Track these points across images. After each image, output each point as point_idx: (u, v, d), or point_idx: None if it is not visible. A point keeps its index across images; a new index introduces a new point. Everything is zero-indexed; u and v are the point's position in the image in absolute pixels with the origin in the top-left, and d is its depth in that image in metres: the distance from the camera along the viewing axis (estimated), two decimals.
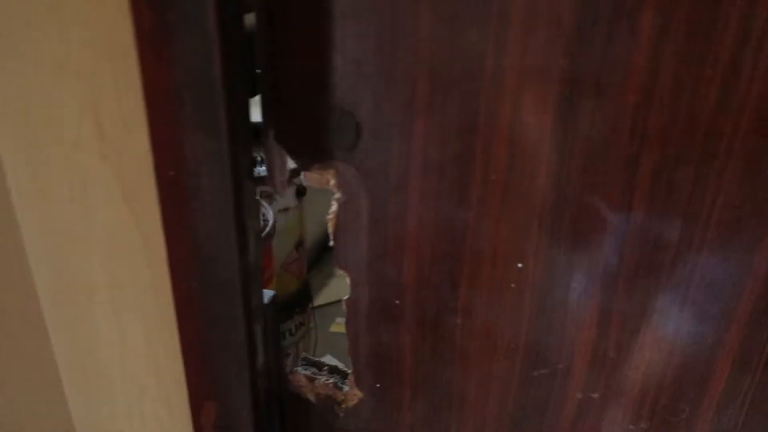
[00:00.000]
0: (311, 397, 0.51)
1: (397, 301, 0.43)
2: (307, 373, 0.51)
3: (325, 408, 0.51)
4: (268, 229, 1.16)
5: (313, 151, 0.40)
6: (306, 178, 0.42)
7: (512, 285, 0.39)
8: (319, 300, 2.23)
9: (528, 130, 0.35)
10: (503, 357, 0.43)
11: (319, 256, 2.41)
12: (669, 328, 0.38)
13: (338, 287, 2.29)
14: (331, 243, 0.43)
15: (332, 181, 0.41)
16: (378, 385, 0.48)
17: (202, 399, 0.46)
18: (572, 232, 0.37)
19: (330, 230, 0.43)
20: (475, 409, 0.46)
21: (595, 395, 0.42)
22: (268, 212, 1.21)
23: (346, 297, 0.45)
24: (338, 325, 2.15)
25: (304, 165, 0.41)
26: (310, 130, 0.39)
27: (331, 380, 0.51)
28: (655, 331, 0.38)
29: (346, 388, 0.50)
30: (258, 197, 0.41)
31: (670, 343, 0.38)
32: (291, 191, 1.34)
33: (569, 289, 0.39)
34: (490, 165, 0.36)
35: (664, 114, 0.32)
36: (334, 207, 0.42)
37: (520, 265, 0.39)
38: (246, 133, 0.38)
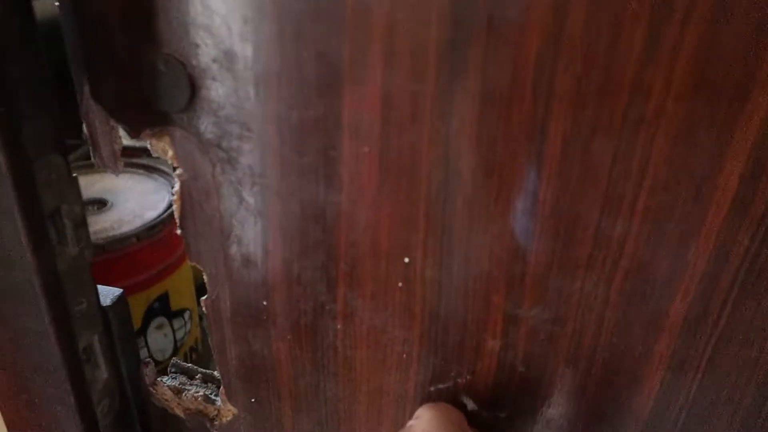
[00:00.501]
0: (179, 413, 0.43)
1: (264, 302, 0.35)
2: (174, 384, 0.43)
3: (197, 425, 0.43)
4: (165, 207, 1.05)
5: (141, 112, 0.31)
6: (151, 147, 0.33)
7: (399, 284, 0.32)
8: None
9: (404, 88, 0.26)
10: (395, 369, 0.35)
11: None
12: (586, 338, 0.30)
13: None
14: (179, 231, 0.35)
15: (170, 152, 0.32)
16: (253, 400, 0.40)
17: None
18: (467, 219, 0.29)
19: (176, 215, 0.34)
20: (368, 429, 0.38)
21: (502, 414, 0.34)
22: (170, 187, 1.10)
23: (203, 299, 0.37)
24: None
25: (133, 131, 0.32)
26: (133, 85, 0.30)
27: (201, 392, 0.43)
28: (572, 341, 0.31)
29: (218, 402, 0.42)
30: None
31: (587, 358, 0.31)
32: None
33: (467, 290, 0.31)
34: (361, 134, 0.28)
35: (577, 64, 0.24)
36: (177, 185, 0.33)
37: (406, 259, 0.31)
38: (37, 88, 0.29)
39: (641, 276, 0.28)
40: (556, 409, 0.33)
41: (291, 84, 0.28)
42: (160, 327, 1.08)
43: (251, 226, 0.33)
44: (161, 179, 1.15)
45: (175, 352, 1.12)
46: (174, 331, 1.11)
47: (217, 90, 0.29)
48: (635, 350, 0.30)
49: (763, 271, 0.26)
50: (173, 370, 0.44)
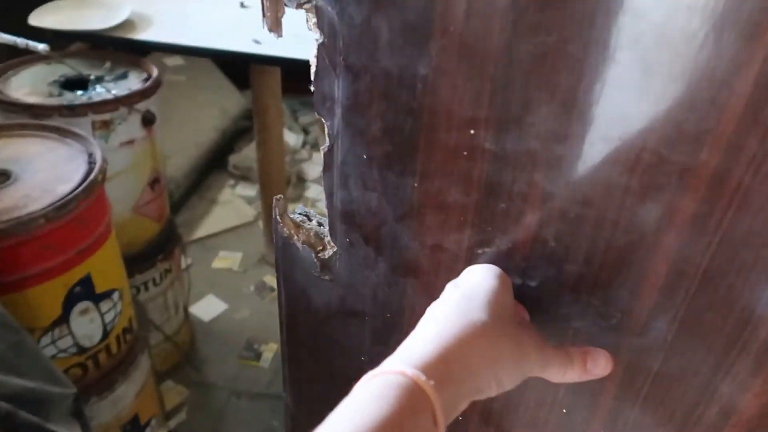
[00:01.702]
0: (297, 243, 0.53)
1: (364, 156, 0.43)
2: (296, 218, 0.54)
3: (306, 255, 0.53)
4: (95, 172, 0.91)
5: None
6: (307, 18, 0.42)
7: (464, 152, 0.38)
8: (200, 231, 2.03)
9: None
10: (453, 230, 0.42)
11: (199, 181, 2.21)
12: (607, 221, 0.34)
13: (223, 214, 2.10)
14: (312, 88, 0.44)
15: (312, 20, 0.41)
16: (348, 240, 0.49)
17: None
18: (522, 101, 0.34)
19: (311, 73, 0.43)
20: (427, 279, 0.46)
21: (533, 283, 0.40)
22: (95, 150, 0.97)
23: (322, 147, 0.46)
24: (222, 260, 1.95)
25: (290, 0, 0.41)
26: None
27: (314, 230, 0.52)
28: (595, 222, 0.35)
29: (325, 239, 0.52)
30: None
31: (606, 239, 0.35)
32: (135, 119, 1.15)
33: (516, 164, 0.36)
34: (449, 13, 0.34)
35: None
36: (314, 49, 0.42)
37: (472, 131, 0.37)
38: None
39: (659, 169, 0.31)
40: (578, 281, 0.38)
41: None
42: (84, 312, 0.97)
43: (362, 88, 0.40)
44: (77, 144, 0.99)
45: (105, 336, 1.02)
46: (102, 315, 1.00)
47: None
48: (647, 239, 0.33)
49: None
50: (298, 211, 0.55)
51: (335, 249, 0.50)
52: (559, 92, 0.32)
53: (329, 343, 0.56)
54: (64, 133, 1.01)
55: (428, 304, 0.37)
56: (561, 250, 0.37)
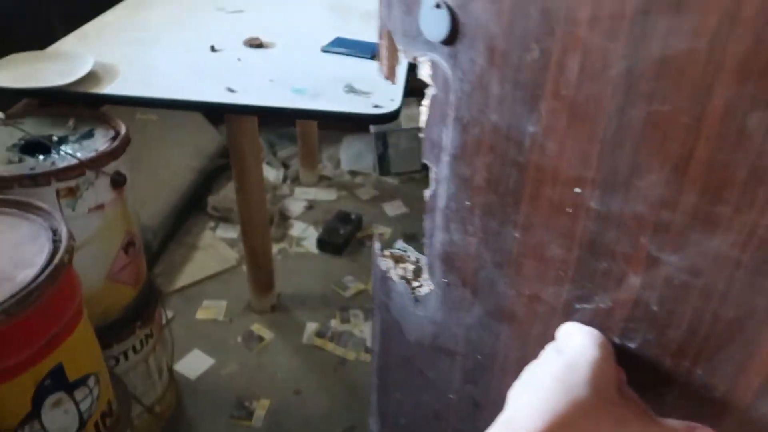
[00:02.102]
0: (395, 277, 0.55)
1: (467, 203, 0.45)
2: (395, 253, 0.57)
3: (402, 290, 0.55)
4: (60, 253, 0.82)
5: (415, 39, 0.43)
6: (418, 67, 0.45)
7: (568, 209, 0.38)
8: (181, 280, 1.92)
9: (600, 45, 0.33)
10: (552, 282, 0.42)
11: (178, 226, 2.11)
12: (715, 293, 0.34)
13: (204, 260, 2.00)
14: (422, 135, 0.46)
15: (428, 73, 0.43)
16: (445, 281, 0.50)
17: None
18: (631, 164, 0.34)
19: (422, 122, 0.46)
20: (522, 328, 0.46)
21: (632, 345, 0.39)
22: (59, 226, 0.87)
23: (427, 191, 0.49)
24: (206, 310, 1.84)
25: (406, 52, 0.44)
26: (413, 18, 0.42)
27: (412, 267, 0.55)
28: (702, 293, 0.34)
29: (422, 277, 0.54)
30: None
31: (713, 312, 0.34)
32: (104, 182, 1.05)
33: (621, 225, 0.36)
34: (562, 77, 0.35)
35: (747, 41, 0.28)
36: (426, 100, 0.44)
37: (577, 190, 0.37)
38: None
39: None
40: (681, 348, 0.37)
41: (517, 32, 0.36)
42: (57, 404, 0.88)
43: (470, 139, 0.42)
44: (39, 220, 0.90)
45: (83, 425, 0.93)
46: (77, 404, 0.91)
47: (467, 33, 0.39)
48: (759, 315, 0.32)
49: None
50: (397, 246, 0.58)
51: (432, 287, 0.52)
52: (670, 160, 0.32)
53: (419, 376, 0.58)
54: (25, 207, 0.92)
55: (521, 351, 0.39)
56: (664, 316, 0.36)
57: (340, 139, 2.56)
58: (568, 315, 0.42)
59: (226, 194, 2.22)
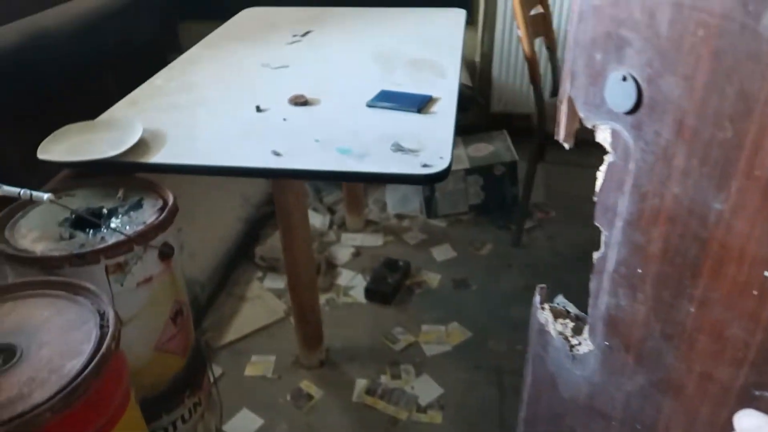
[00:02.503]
0: (553, 332, 0.56)
1: (639, 270, 0.44)
2: (556, 308, 0.57)
3: (560, 346, 0.55)
4: (107, 342, 0.80)
5: (598, 108, 0.44)
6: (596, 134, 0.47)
7: (754, 291, 0.37)
8: (230, 335, 1.88)
9: None
10: (728, 363, 0.40)
11: (226, 277, 2.09)
12: None
13: (253, 312, 1.97)
14: (595, 199, 0.48)
15: (608, 140, 0.45)
16: (607, 344, 0.50)
17: None
18: None
19: (597, 186, 0.47)
20: (689, 404, 0.44)
21: None
22: (107, 309, 0.85)
23: (595, 253, 0.49)
24: (254, 366, 1.80)
25: (587, 120, 0.46)
26: (598, 89, 0.44)
27: (572, 324, 0.55)
28: None
29: (582, 336, 0.54)
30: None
31: None
32: (152, 255, 1.05)
33: None
34: (757, 158, 0.34)
35: None
36: (604, 166, 0.46)
37: (766, 273, 0.36)
38: None
39: None
40: None
41: (709, 109, 0.35)
42: None
43: (647, 209, 0.42)
44: (87, 303, 0.90)
45: None
46: None
47: (653, 106, 0.39)
48: None
49: None
50: (557, 301, 0.58)
51: (592, 348, 0.52)
52: None
53: None
54: (73, 289, 0.93)
55: (687, 428, 0.38)
56: None
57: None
58: (745, 400, 0.40)
59: (273, 244, 2.21)
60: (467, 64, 2.78)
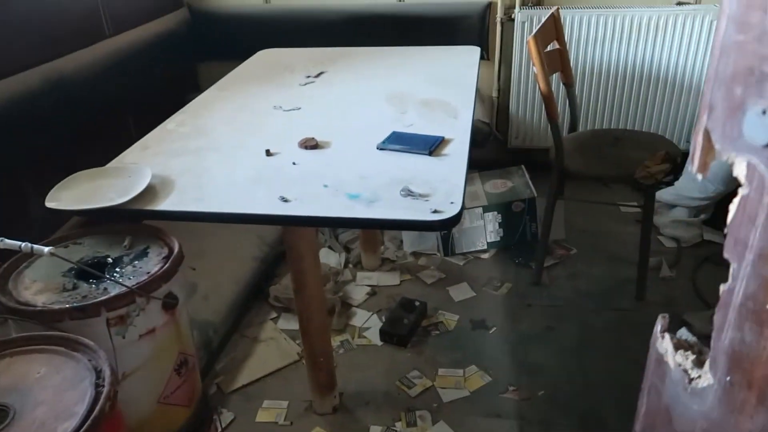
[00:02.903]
0: (669, 362, 0.55)
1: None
2: (677, 339, 0.56)
3: (678, 377, 0.54)
4: (101, 402, 0.77)
5: (735, 141, 0.44)
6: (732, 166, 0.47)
7: None
8: (242, 378, 1.84)
9: None
10: None
11: (239, 319, 2.06)
12: None
13: (266, 355, 1.92)
14: (726, 231, 0.47)
15: (743, 173, 0.45)
16: (728, 379, 0.49)
17: None
18: None
19: (728, 218, 0.47)
20: None
21: None
22: (104, 366, 0.82)
23: (723, 285, 0.48)
24: (266, 411, 1.74)
25: (723, 152, 0.46)
26: (736, 122, 0.44)
27: (692, 357, 0.54)
28: None
29: (702, 370, 0.52)
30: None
31: None
32: (155, 306, 1.03)
33: None
34: None
35: None
36: (737, 198, 0.46)
37: None
38: None
39: None
40: None
41: None
42: None
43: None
44: (83, 359, 0.88)
45: None
46: None
47: None
48: None
49: None
50: (680, 334, 0.56)
51: (711, 382, 0.51)
52: None
53: None
54: (71, 345, 0.92)
55: None
56: None
57: None
58: None
59: (287, 283, 2.18)
60: (484, 99, 2.77)
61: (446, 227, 1.14)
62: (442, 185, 1.22)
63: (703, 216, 2.39)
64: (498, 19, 2.60)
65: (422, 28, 2.61)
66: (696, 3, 2.49)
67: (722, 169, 2.21)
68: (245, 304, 2.11)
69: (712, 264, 2.23)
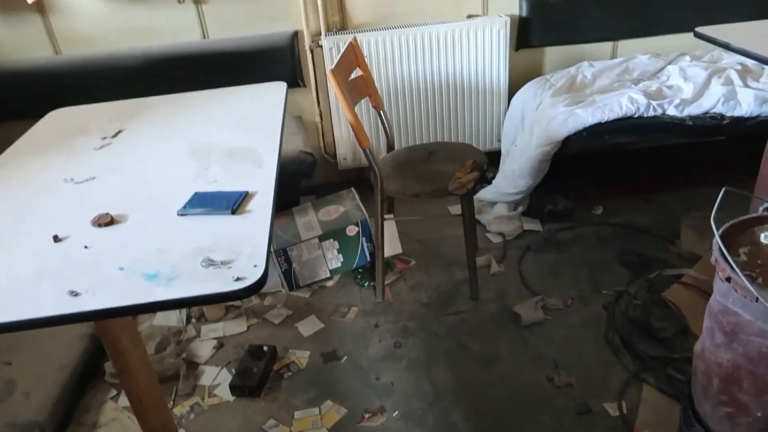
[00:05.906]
0: None
1: None
2: None
3: None
4: None
5: None
6: None
7: None
8: None
9: None
10: None
11: (73, 407, 1.88)
12: None
13: None
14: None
15: None
16: None
17: None
18: None
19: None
20: None
21: None
22: None
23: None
24: None
25: None
26: None
27: None
28: None
29: None
30: None
31: None
32: None
33: None
34: None
35: None
36: None
37: None
38: None
39: None
40: None
41: None
42: None
43: None
44: None
45: None
46: None
47: None
48: None
49: None
50: None
51: None
52: None
53: None
54: None
55: None
56: None
57: None
58: None
59: None
60: (308, 127, 2.79)
61: (252, 293, 1.12)
62: (245, 247, 1.19)
63: (521, 209, 2.60)
64: (307, 47, 2.63)
65: (231, 64, 2.55)
66: (484, 15, 2.70)
67: (530, 164, 2.42)
68: (78, 389, 1.94)
69: (534, 252, 2.44)
